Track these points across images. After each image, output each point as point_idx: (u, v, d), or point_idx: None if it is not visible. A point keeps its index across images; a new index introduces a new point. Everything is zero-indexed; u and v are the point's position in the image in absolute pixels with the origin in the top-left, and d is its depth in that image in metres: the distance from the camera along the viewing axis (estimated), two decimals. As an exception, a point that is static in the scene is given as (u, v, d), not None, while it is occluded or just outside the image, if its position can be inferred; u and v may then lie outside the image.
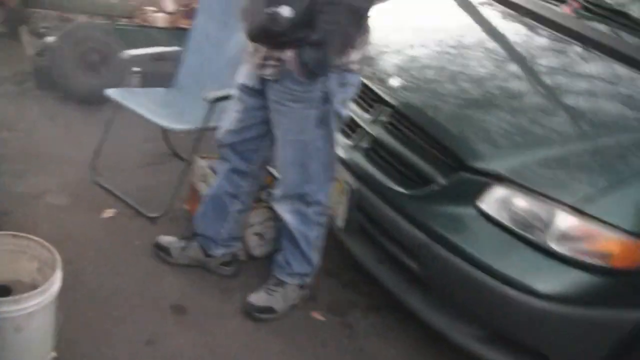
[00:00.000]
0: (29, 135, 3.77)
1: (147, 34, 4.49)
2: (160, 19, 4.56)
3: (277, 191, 2.64)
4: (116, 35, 4.28)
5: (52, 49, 4.14)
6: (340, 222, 2.73)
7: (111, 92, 3.27)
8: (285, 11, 2.12)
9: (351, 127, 2.78)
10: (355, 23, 2.19)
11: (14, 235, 2.28)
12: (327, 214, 2.67)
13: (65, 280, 2.14)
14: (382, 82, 2.74)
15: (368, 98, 2.77)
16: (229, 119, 2.65)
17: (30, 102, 4.17)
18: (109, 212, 3.22)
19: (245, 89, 2.54)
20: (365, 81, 2.72)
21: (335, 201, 2.69)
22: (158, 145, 3.77)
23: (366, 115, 2.75)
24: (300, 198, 2.57)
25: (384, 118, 2.65)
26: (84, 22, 4.60)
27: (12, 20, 4.85)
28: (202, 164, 3.14)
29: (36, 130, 3.84)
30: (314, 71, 2.24)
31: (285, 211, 2.62)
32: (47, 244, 2.24)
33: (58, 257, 2.18)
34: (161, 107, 3.34)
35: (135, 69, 3.94)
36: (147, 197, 3.34)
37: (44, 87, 4.25)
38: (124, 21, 4.72)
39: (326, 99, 2.35)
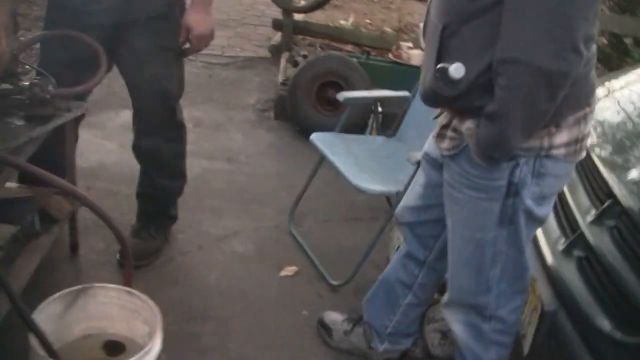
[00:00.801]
0: (246, 169, 3.60)
1: (396, 72, 4.07)
2: (415, 57, 4.10)
3: (447, 294, 2.01)
4: (364, 69, 3.93)
5: (291, 79, 3.95)
6: (525, 347, 1.98)
7: (315, 137, 2.90)
8: (456, 70, 1.53)
9: (562, 225, 2.01)
10: (548, 92, 1.49)
11: (130, 293, 2.03)
12: (513, 333, 1.96)
13: (210, 338, 2.14)
14: (616, 170, 1.94)
15: (592, 189, 1.98)
16: (411, 192, 2.11)
17: (263, 132, 4.02)
18: (289, 270, 2.85)
19: (429, 159, 1.98)
20: (595, 164, 1.95)
21: (523, 319, 1.97)
22: (375, 196, 3.31)
23: (586, 212, 1.96)
24: (475, 309, 1.91)
25: (610, 221, 1.85)
26: (328, 54, 4.35)
27: (280, 45, 4.82)
28: (398, 233, 2.60)
29: (256, 163, 3.66)
30: (487, 153, 1.60)
31: (454, 320, 1.99)
32: (157, 309, 1.94)
33: (160, 328, 1.89)
34: (372, 158, 2.89)
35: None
36: (339, 258, 2.91)
37: (281, 118, 4.08)
38: (376, 55, 4.38)
39: (514, 191, 1.67)
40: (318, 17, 5.46)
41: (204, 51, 4.93)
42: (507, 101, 1.51)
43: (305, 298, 2.70)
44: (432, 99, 1.70)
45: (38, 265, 2.47)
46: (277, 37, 4.89)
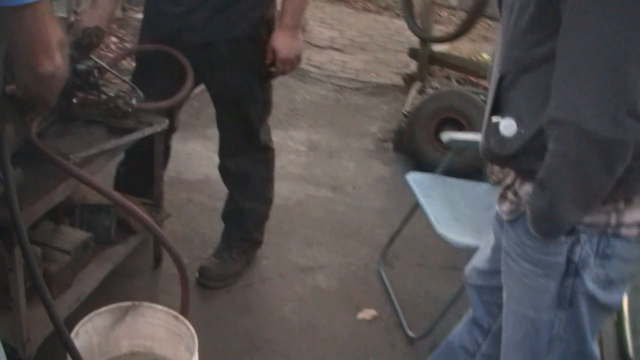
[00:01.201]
0: (350, 200, 3.47)
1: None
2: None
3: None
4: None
5: (412, 112, 3.78)
6: None
7: (412, 177, 2.72)
8: (507, 127, 1.33)
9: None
10: (602, 162, 1.24)
11: (176, 318, 1.99)
12: None
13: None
14: None
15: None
16: (481, 253, 1.90)
17: (378, 163, 3.88)
18: (367, 313, 2.69)
19: (499, 219, 1.76)
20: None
21: None
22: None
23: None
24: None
25: None
26: (451, 89, 4.13)
27: (414, 75, 4.67)
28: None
29: (362, 196, 3.53)
30: (538, 224, 1.37)
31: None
32: (195, 340, 1.87)
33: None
34: (471, 207, 2.66)
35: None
36: (425, 307, 2.72)
37: (400, 150, 3.92)
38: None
39: (573, 270, 1.42)
40: (463, 48, 5.24)
41: (336, 74, 4.95)
42: (555, 169, 1.28)
43: (377, 346, 2.53)
44: (487, 155, 1.49)
45: (117, 273, 2.52)
46: (413, 65, 4.74)
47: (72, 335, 1.86)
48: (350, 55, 5.58)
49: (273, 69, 2.41)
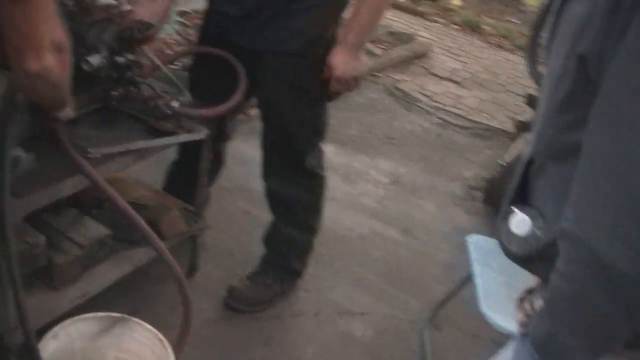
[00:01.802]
0: (418, 247, 3.21)
1: None
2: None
3: None
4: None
5: (507, 165, 3.46)
6: None
7: (472, 239, 2.45)
8: (519, 224, 1.07)
9: None
10: (618, 299, 0.94)
11: (161, 341, 1.89)
12: None
13: None
14: None
15: None
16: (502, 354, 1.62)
17: (461, 212, 3.58)
18: (394, 375, 2.43)
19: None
20: None
21: None
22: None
23: None
24: None
25: None
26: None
27: (526, 123, 4.31)
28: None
29: (432, 245, 3.25)
30: (539, 352, 1.09)
31: None
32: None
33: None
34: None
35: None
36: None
37: (489, 203, 3.60)
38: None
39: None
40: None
41: (446, 108, 4.67)
42: (559, 294, 1.00)
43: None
44: (502, 249, 1.22)
45: (146, 276, 2.43)
46: (529, 114, 4.36)
47: (50, 335, 1.77)
48: (467, 91, 5.26)
49: (330, 91, 2.22)
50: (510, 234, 1.09)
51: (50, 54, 1.37)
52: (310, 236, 2.55)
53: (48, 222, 2.09)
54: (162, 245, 1.84)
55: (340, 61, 2.13)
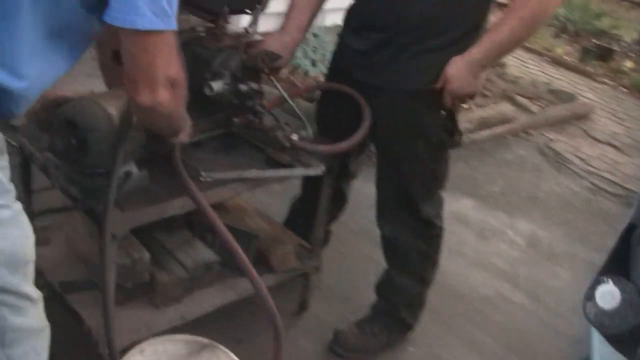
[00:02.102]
0: (543, 316, 2.96)
1: None
2: None
3: None
4: None
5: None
6: None
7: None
8: (604, 295, 0.93)
9: None
10: None
11: None
12: None
13: None
14: None
15: None
16: None
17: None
18: None
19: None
20: None
21: None
22: None
23: None
24: None
25: None
26: None
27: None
28: None
29: (560, 315, 2.98)
30: None
31: None
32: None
33: None
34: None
35: None
36: None
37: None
38: None
39: None
40: None
41: (600, 172, 4.35)
42: None
43: None
44: (590, 321, 1.06)
45: (253, 306, 2.42)
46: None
47: (137, 349, 1.78)
48: (627, 157, 4.88)
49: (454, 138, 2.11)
50: (596, 306, 0.95)
51: (163, 89, 1.40)
52: (423, 288, 2.42)
53: (159, 241, 2.14)
54: (256, 275, 1.81)
55: (458, 72, 1.99)
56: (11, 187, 1.32)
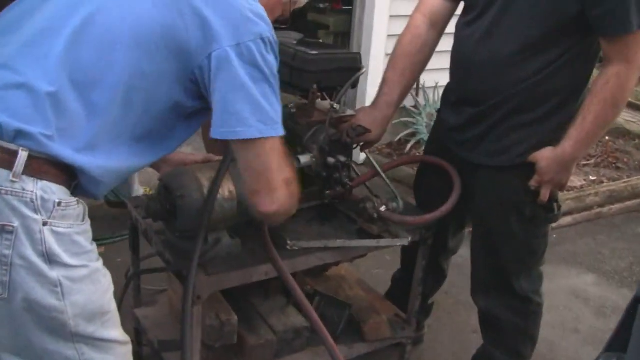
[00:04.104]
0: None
1: None
2: None
3: None
4: None
5: None
6: None
7: None
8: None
9: None
10: None
11: None
12: None
13: None
14: None
15: None
16: None
17: None
18: None
19: None
20: None
21: None
22: None
23: None
24: None
25: None
26: None
27: None
28: None
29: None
30: None
31: None
32: None
33: None
34: None
35: None
36: None
37: None
38: None
39: None
40: None
41: None
42: None
43: None
44: None
45: None
46: None
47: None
48: None
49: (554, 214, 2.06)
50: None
51: (282, 192, 1.53)
52: (521, 366, 2.33)
53: (254, 305, 2.23)
54: (332, 342, 1.84)
55: (548, 167, 1.97)
56: (93, 248, 1.46)
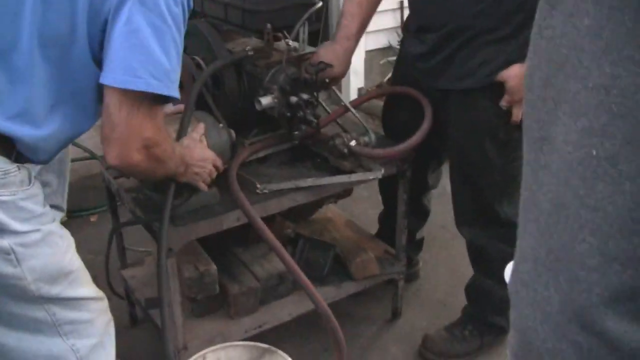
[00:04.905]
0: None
1: None
2: None
3: None
4: None
5: None
6: None
7: None
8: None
9: None
10: None
11: None
12: None
13: None
14: None
15: None
16: None
17: None
18: None
19: None
20: None
21: None
22: None
23: None
24: None
25: None
26: None
27: None
28: None
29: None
30: None
31: None
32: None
33: None
34: None
35: None
36: None
37: None
38: None
39: None
40: None
41: None
42: None
43: None
44: None
45: (350, 318, 2.45)
46: None
47: (199, 356, 1.86)
48: None
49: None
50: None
51: (133, 149, 1.42)
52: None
53: (235, 254, 2.23)
54: (311, 286, 1.84)
55: (519, 85, 1.88)
56: (44, 210, 1.43)
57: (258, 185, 1.94)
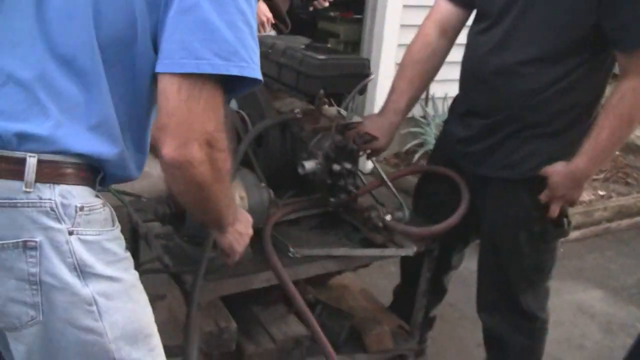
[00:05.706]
0: None
1: None
2: None
3: None
4: None
5: None
6: None
7: None
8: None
9: None
10: None
11: None
12: None
13: None
14: None
15: None
16: None
17: None
18: None
19: None
20: None
21: None
22: None
23: None
24: None
25: None
26: None
27: None
28: None
29: None
30: None
31: None
32: None
33: None
34: None
35: None
36: None
37: None
38: None
39: None
40: None
41: None
42: None
43: None
44: None
45: None
46: None
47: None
48: None
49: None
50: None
51: (199, 148, 1.20)
52: (523, 383, 2.28)
53: (254, 313, 2.19)
54: (331, 351, 1.81)
55: (560, 182, 1.91)
56: (126, 255, 1.31)
57: (291, 249, 1.93)
